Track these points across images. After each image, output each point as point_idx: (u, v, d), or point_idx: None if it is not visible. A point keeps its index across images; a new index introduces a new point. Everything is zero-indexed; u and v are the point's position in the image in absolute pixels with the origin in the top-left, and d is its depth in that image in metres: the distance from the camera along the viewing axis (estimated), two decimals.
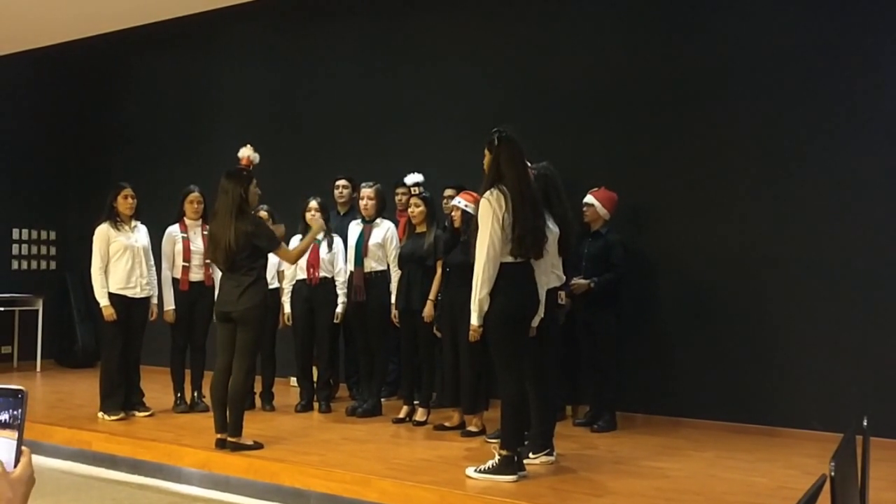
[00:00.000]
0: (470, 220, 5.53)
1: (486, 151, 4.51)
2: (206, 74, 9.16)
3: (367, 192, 6.35)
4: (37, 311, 9.35)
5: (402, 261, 6.09)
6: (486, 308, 4.34)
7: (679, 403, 6.24)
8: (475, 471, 4.40)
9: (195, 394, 6.58)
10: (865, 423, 2.43)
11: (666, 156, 6.42)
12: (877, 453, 2.84)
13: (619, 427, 5.94)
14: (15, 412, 1.20)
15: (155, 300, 6.38)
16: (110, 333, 6.17)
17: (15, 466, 1.19)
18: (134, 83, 9.69)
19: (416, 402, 6.13)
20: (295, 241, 6.31)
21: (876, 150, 5.70)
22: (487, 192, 4.37)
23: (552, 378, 5.06)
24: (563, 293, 5.12)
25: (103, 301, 6.08)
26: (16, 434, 1.19)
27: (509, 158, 4.40)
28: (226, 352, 5.16)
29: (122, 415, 6.11)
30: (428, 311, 5.92)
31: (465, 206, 5.61)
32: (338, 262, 6.50)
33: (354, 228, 6.42)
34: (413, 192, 6.24)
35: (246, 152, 5.49)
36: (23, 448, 1.21)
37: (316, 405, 6.62)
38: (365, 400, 6.39)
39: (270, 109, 8.61)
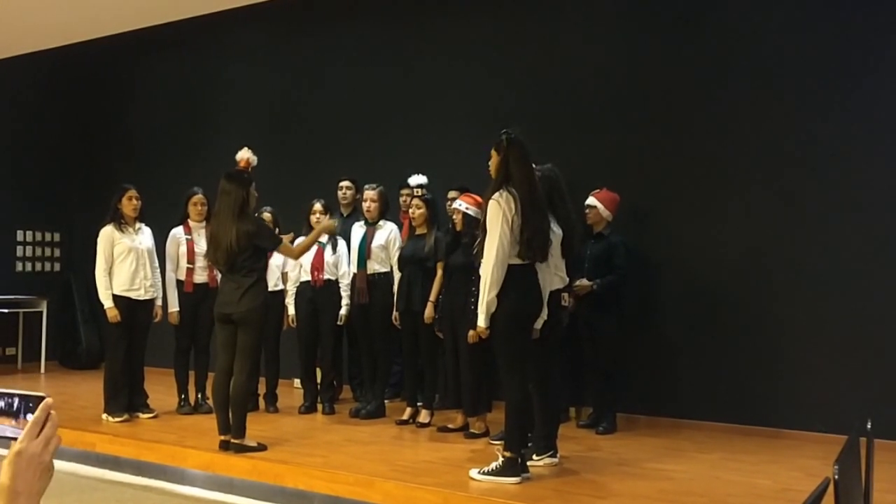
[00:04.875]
0: (471, 223, 5.54)
1: (494, 153, 4.50)
2: (209, 76, 9.17)
3: (370, 194, 6.36)
4: (41, 312, 9.37)
5: (403, 262, 6.10)
6: (493, 310, 4.33)
7: (682, 405, 6.24)
8: (479, 472, 4.40)
9: (199, 395, 6.59)
10: (869, 426, 2.43)
11: (668, 157, 6.42)
12: (881, 455, 2.83)
13: (622, 429, 5.94)
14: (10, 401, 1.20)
15: (159, 302, 6.40)
16: (114, 335, 6.18)
17: None
18: (138, 85, 9.71)
19: (419, 404, 6.13)
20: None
21: (880, 151, 5.69)
22: (497, 194, 4.36)
23: (556, 380, 5.06)
24: (566, 295, 5.12)
25: (107, 303, 6.09)
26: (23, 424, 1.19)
27: (518, 160, 4.40)
28: (226, 353, 5.17)
29: (125, 416, 6.12)
30: (428, 312, 5.92)
31: (466, 208, 5.61)
32: (342, 264, 6.51)
33: (357, 230, 6.42)
34: (415, 194, 6.24)
35: (244, 154, 5.50)
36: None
37: (319, 407, 6.62)
38: (368, 401, 6.39)
39: (274, 111, 8.62)
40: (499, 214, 4.30)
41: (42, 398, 1.20)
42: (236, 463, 5.00)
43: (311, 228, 6.29)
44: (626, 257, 6.00)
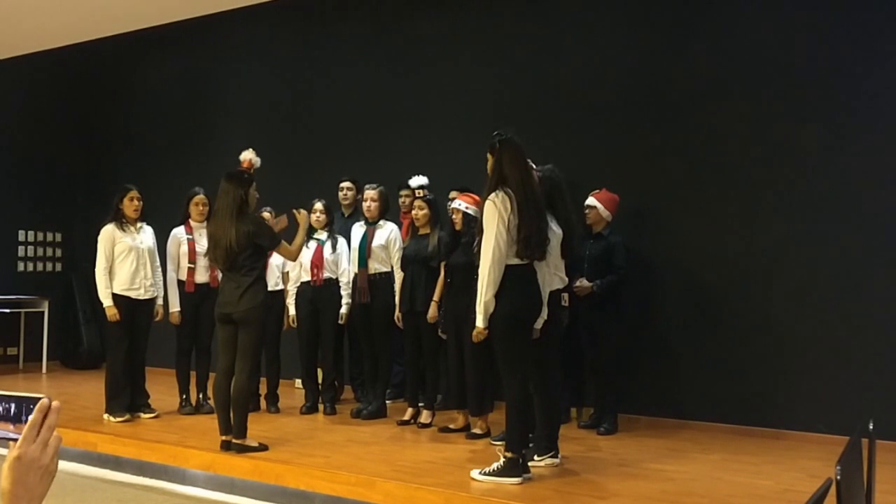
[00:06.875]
0: (470, 222, 5.54)
1: (489, 154, 4.51)
2: (211, 77, 9.18)
3: (370, 193, 6.37)
4: (42, 312, 9.37)
5: (406, 262, 6.10)
6: (491, 310, 4.33)
7: (683, 406, 6.24)
8: (480, 473, 4.40)
9: (200, 395, 6.59)
10: (871, 427, 2.43)
11: (668, 157, 6.42)
12: (882, 456, 2.83)
13: (623, 429, 5.93)
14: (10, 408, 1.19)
15: (160, 301, 6.40)
16: (116, 335, 6.19)
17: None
18: (140, 85, 9.71)
19: (420, 405, 6.13)
20: None
21: (880, 153, 5.68)
22: (492, 194, 4.37)
23: (556, 380, 5.06)
24: (566, 295, 5.12)
25: (107, 301, 6.09)
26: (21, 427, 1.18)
27: (511, 160, 4.41)
28: (227, 353, 5.17)
29: (127, 416, 6.12)
30: (432, 312, 5.92)
31: (466, 207, 5.61)
32: (342, 263, 6.51)
33: (358, 230, 6.43)
34: (417, 195, 6.24)
35: (248, 155, 5.51)
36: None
37: (321, 407, 6.62)
38: (370, 402, 6.39)
39: (275, 111, 8.62)
40: (494, 215, 4.31)
41: (40, 399, 1.19)
42: (238, 463, 5.00)
43: (311, 227, 6.33)
44: (626, 257, 6.00)
